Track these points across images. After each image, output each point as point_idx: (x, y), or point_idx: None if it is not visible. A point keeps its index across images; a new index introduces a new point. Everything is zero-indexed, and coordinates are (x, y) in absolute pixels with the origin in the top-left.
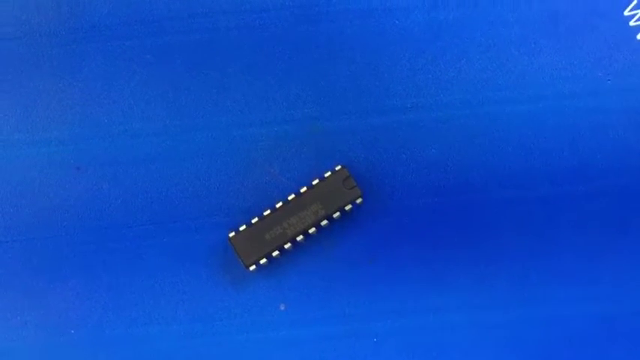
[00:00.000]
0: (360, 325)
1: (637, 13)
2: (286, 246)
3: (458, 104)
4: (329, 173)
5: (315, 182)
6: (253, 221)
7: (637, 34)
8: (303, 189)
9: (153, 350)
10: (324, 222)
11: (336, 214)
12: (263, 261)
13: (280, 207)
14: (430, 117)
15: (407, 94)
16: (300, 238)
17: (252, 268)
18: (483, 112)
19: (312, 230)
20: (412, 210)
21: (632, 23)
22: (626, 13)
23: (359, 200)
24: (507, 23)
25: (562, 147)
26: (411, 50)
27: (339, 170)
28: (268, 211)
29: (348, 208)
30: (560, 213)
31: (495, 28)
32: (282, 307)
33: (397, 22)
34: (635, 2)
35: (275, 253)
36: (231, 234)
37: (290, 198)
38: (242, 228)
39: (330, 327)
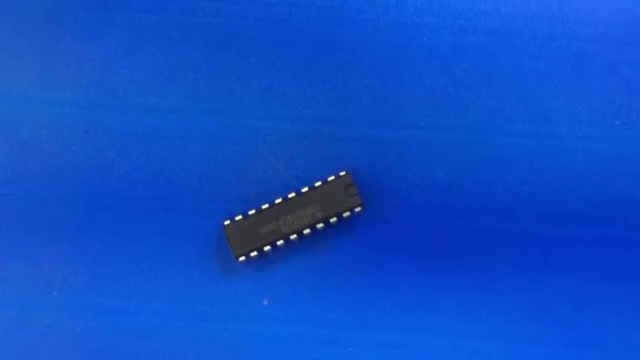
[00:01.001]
0: (339, 333)
1: None
2: (279, 243)
3: (471, 129)
4: (332, 177)
5: (317, 184)
6: (250, 213)
7: None
8: (305, 189)
9: (131, 324)
10: (320, 225)
11: (333, 219)
12: (253, 254)
13: (279, 203)
14: (441, 138)
15: (422, 112)
16: (294, 237)
17: (242, 259)
18: (495, 141)
19: (306, 231)
20: (409, 227)
21: None
22: None
23: (358, 209)
24: (533, 57)
25: (568, 188)
26: (434, 69)
27: (342, 176)
28: (266, 205)
29: (346, 215)
30: (554, 253)
31: (520, 59)
32: (265, 302)
33: (424, 39)
34: None
35: (266, 248)
36: (227, 222)
37: (290, 196)
38: (238, 218)
39: (309, 329)
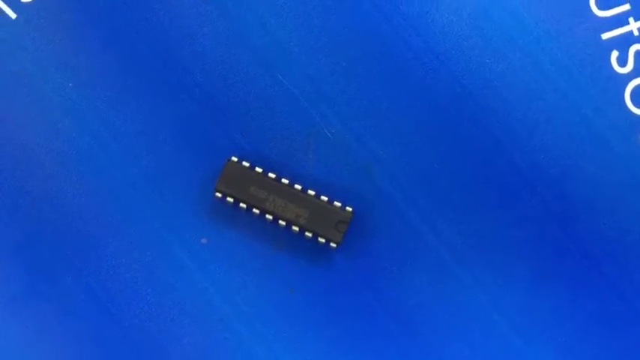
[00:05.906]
0: (238, 327)
1: None
2: (255, 210)
3: (482, 270)
4: (338, 205)
5: (323, 198)
6: (256, 169)
7: None
8: (311, 192)
9: (95, 164)
10: (296, 228)
11: (309, 234)
12: (229, 199)
13: (283, 183)
14: (449, 259)
15: (457, 229)
16: (269, 217)
17: (218, 195)
18: (496, 292)
19: (282, 222)
20: (357, 290)
21: None
22: None
23: (333, 245)
24: (589, 255)
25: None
26: (502, 205)
27: (346, 211)
28: (273, 176)
29: (321, 240)
30: None
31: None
32: (204, 241)
33: (517, 180)
34: None
35: (242, 205)
36: (234, 159)
37: (296, 186)
38: (245, 164)
39: (215, 293)
